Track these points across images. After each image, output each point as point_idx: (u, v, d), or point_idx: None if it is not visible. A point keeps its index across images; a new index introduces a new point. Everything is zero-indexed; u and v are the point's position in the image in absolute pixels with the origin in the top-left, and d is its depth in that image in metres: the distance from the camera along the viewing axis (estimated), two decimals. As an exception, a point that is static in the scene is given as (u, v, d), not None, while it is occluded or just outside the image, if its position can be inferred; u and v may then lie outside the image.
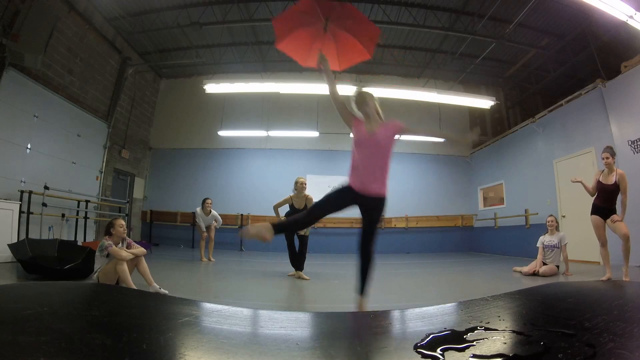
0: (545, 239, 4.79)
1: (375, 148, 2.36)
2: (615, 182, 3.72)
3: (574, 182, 4.11)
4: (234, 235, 9.14)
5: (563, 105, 6.84)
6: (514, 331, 0.49)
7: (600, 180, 3.84)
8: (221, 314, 0.60)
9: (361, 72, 9.97)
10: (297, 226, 2.64)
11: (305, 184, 4.44)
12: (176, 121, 10.17)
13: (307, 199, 4.40)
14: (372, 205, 2.32)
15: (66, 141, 6.64)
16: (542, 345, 0.43)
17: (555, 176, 6.92)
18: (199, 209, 6.02)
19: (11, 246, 3.88)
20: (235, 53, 9.37)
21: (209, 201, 6.02)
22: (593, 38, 7.19)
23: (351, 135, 2.45)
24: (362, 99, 2.48)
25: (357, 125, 2.44)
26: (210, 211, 6.02)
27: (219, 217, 6.19)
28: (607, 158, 3.76)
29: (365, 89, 2.54)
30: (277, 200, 4.61)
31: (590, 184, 3.96)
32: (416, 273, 5.27)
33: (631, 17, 4.83)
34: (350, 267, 5.98)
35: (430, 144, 9.88)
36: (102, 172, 7.76)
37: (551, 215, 5.04)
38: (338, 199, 2.33)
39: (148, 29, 7.83)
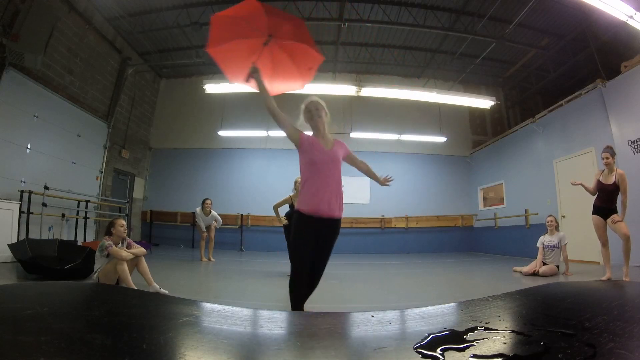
0: (545, 239, 4.79)
1: (334, 165, 2.08)
2: (615, 182, 3.72)
3: (574, 185, 4.11)
4: (234, 235, 9.16)
5: (563, 105, 6.84)
6: (514, 331, 0.49)
7: (601, 180, 3.84)
8: (221, 314, 0.59)
9: (361, 72, 9.99)
10: (299, 296, 2.09)
11: None
12: (176, 121, 10.17)
13: None
14: (333, 230, 2.12)
15: (66, 141, 6.64)
16: (542, 345, 0.43)
17: (555, 176, 6.92)
18: (198, 209, 6.02)
19: (11, 246, 3.88)
20: (235, 53, 9.36)
21: (208, 202, 6.02)
22: (593, 38, 7.19)
23: (301, 152, 2.09)
24: (315, 110, 2.12)
25: (309, 141, 2.08)
26: (210, 211, 6.02)
27: (219, 218, 6.19)
28: (607, 158, 3.76)
29: (316, 98, 2.15)
30: (277, 201, 4.61)
31: (591, 184, 3.96)
32: (416, 273, 5.28)
33: (631, 17, 4.83)
34: (350, 267, 5.97)
35: (430, 144, 9.88)
36: (102, 172, 7.76)
37: (551, 215, 5.04)
38: (309, 237, 2.03)
39: (148, 29, 7.84)
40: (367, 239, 9.37)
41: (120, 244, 3.11)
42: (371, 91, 7.52)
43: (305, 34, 2.33)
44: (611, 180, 3.76)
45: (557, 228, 4.87)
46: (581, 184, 4.01)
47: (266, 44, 2.23)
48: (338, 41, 8.55)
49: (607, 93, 5.83)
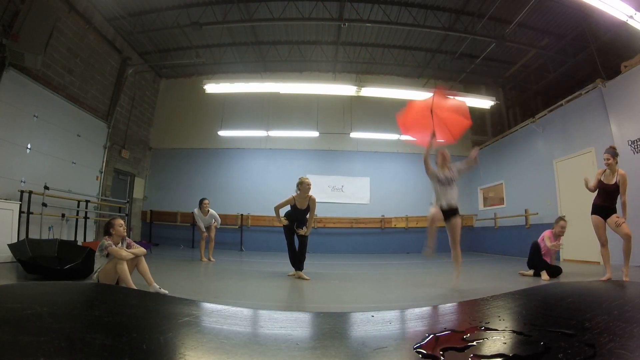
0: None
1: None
2: (616, 182, 3.72)
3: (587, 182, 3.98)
4: (234, 235, 9.16)
5: (563, 105, 6.84)
6: (514, 331, 0.49)
7: (602, 180, 3.83)
8: (221, 314, 0.60)
9: (361, 72, 9.99)
10: None
11: (311, 185, 4.43)
12: (176, 121, 10.17)
13: (311, 199, 4.39)
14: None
15: (66, 141, 6.64)
16: (542, 345, 0.43)
17: (555, 176, 6.92)
18: (196, 210, 6.03)
19: (11, 246, 3.88)
20: (235, 53, 9.37)
21: (206, 201, 6.02)
22: (593, 38, 7.19)
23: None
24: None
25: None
26: (208, 211, 6.02)
27: (218, 217, 6.18)
28: (608, 159, 3.75)
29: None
30: (278, 201, 4.60)
31: (592, 182, 3.93)
32: (416, 273, 5.28)
33: (631, 17, 4.83)
34: (350, 267, 5.97)
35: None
36: (102, 172, 7.76)
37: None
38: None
39: (148, 29, 7.83)
40: (367, 239, 9.37)
41: (120, 244, 3.10)
42: (371, 91, 7.52)
43: (458, 109, 4.01)
44: (612, 180, 3.75)
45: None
46: (585, 179, 3.97)
47: (432, 114, 3.85)
48: (338, 41, 8.56)
49: (607, 93, 5.83)
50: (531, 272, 4.59)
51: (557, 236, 4.60)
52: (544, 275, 4.23)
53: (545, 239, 4.61)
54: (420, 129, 4.03)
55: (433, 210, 3.94)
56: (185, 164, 9.92)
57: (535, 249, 4.51)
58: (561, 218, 4.66)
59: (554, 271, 4.38)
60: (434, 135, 3.81)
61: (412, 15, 7.42)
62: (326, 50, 9.12)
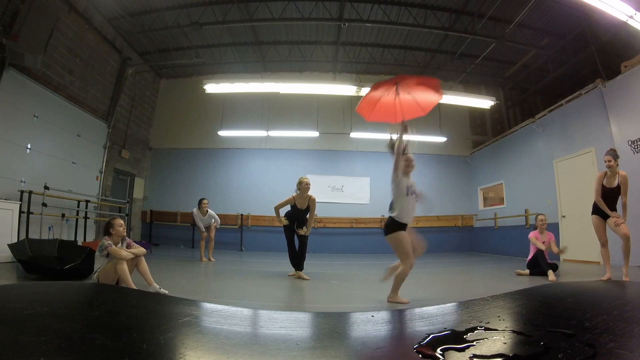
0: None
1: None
2: (618, 184, 3.72)
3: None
4: (234, 235, 9.16)
5: (563, 105, 6.83)
6: (514, 331, 0.49)
7: (605, 184, 3.81)
8: (221, 314, 0.60)
9: (361, 72, 9.99)
10: None
11: (310, 185, 4.44)
12: (176, 121, 10.16)
13: (310, 199, 4.39)
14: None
15: (66, 141, 6.64)
16: (542, 345, 0.43)
17: (555, 176, 6.91)
18: (195, 210, 6.03)
19: (11, 246, 3.88)
20: (235, 53, 9.36)
21: (205, 201, 6.03)
22: (593, 38, 7.19)
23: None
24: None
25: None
26: (207, 211, 6.02)
27: (217, 217, 6.19)
28: (609, 161, 3.74)
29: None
30: (278, 201, 4.60)
31: (594, 189, 3.88)
32: (416, 273, 5.27)
33: (631, 17, 4.82)
34: (350, 267, 5.97)
35: (429, 144, 9.87)
36: (102, 172, 7.75)
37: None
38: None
39: (148, 29, 7.83)
40: (367, 239, 9.36)
41: (120, 244, 3.10)
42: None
43: (427, 83, 3.37)
44: (614, 183, 3.75)
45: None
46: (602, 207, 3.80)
47: (398, 91, 3.21)
48: (338, 41, 8.55)
49: (607, 93, 5.83)
50: (527, 271, 4.63)
51: (542, 232, 4.79)
52: (551, 276, 4.23)
53: (535, 242, 4.71)
54: (386, 111, 3.43)
55: (404, 235, 2.91)
56: (185, 164, 9.91)
57: (536, 258, 4.56)
58: (539, 214, 5.02)
59: (552, 268, 4.46)
60: (405, 127, 3.09)
61: (412, 15, 7.42)
62: (326, 50, 9.12)
